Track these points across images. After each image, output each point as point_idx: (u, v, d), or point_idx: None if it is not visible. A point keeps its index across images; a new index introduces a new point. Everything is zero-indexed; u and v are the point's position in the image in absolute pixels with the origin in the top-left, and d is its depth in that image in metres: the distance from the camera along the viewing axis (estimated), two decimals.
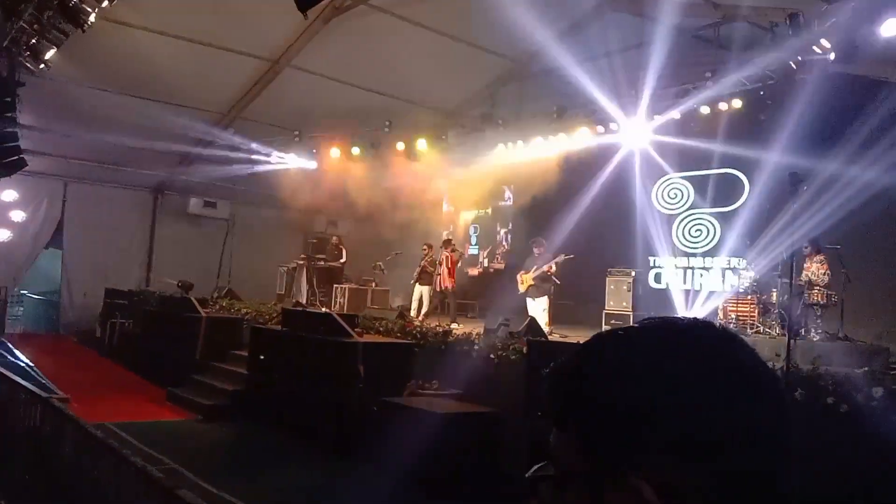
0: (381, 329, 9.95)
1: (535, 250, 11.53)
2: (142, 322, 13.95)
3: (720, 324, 0.84)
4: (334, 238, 15.60)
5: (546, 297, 11.26)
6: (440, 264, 12.68)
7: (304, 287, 14.37)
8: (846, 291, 9.42)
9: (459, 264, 13.19)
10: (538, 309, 11.12)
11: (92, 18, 9.15)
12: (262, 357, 10.05)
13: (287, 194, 15.04)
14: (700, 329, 0.77)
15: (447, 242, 13.21)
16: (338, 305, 13.80)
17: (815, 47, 9.23)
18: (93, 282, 15.85)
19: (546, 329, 10.91)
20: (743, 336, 0.83)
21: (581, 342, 0.82)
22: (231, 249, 15.82)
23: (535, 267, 11.36)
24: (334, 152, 14.72)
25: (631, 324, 0.82)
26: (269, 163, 15.36)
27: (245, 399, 10.10)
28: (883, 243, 10.29)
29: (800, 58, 9.61)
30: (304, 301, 13.98)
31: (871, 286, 9.98)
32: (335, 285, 14.48)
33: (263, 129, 14.89)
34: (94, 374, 12.60)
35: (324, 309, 12.50)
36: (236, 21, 11.72)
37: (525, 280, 11.42)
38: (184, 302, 12.65)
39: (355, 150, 14.69)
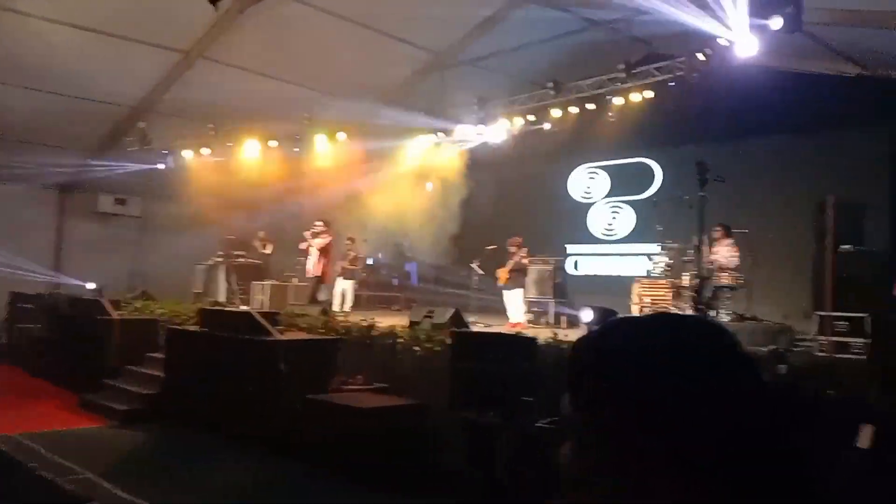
0: (303, 325, 9.80)
1: (511, 248, 11.95)
2: (51, 326, 13.31)
3: (712, 322, 0.96)
4: (260, 233, 15.24)
5: (522, 288, 11.88)
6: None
7: (223, 285, 14.00)
8: (753, 274, 9.90)
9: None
10: (516, 299, 11.76)
11: None
12: (179, 358, 9.75)
13: (202, 189, 14.61)
14: (686, 328, 0.90)
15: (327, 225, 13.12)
16: (258, 303, 13.50)
17: (720, 40, 9.59)
18: None
19: (523, 318, 11.58)
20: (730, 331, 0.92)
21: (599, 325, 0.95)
22: (145, 248, 15.27)
23: (511, 261, 11.82)
24: (251, 145, 14.38)
25: (641, 314, 0.95)
26: (182, 157, 14.87)
27: (163, 402, 9.78)
28: (787, 227, 10.84)
29: (708, 50, 9.96)
30: (223, 300, 13.63)
31: (777, 268, 10.51)
32: (255, 282, 14.12)
33: (177, 123, 14.39)
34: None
35: (243, 307, 12.23)
36: (146, 11, 11.27)
37: (502, 274, 11.90)
38: (95, 304, 12.13)
39: (273, 143, 14.40)
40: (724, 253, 9.79)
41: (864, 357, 7.71)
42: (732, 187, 9.87)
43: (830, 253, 8.49)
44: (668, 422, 0.81)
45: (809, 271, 9.59)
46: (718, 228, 9.88)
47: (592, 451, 0.86)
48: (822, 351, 8.47)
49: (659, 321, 0.93)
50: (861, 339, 8.30)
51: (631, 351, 0.87)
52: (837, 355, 8.23)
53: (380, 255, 16.65)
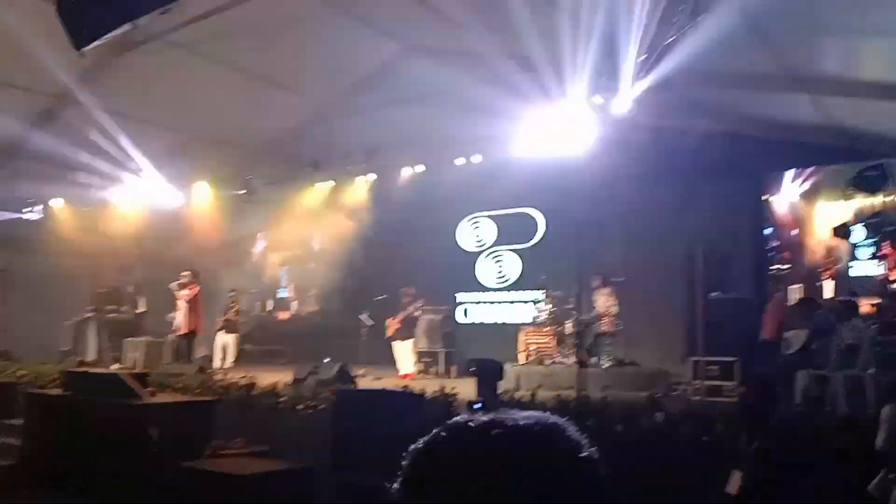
0: (178, 386, 9.26)
1: (405, 298, 12.06)
2: None
3: (548, 426, 0.92)
4: (130, 287, 14.37)
5: (412, 338, 11.93)
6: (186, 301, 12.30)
7: (93, 342, 13.07)
8: (631, 320, 10.25)
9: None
10: (406, 350, 11.80)
11: None
12: (39, 425, 8.97)
13: (72, 241, 13.71)
14: (509, 434, 0.89)
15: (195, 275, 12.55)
16: (132, 361, 12.62)
17: (595, 98, 9.98)
18: None
19: (412, 369, 11.65)
20: (562, 432, 0.92)
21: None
22: (8, 304, 14.10)
23: (400, 313, 11.96)
24: (126, 194, 13.69)
25: (468, 419, 0.94)
26: (49, 206, 13.95)
27: (20, 474, 8.94)
28: (662, 275, 11.29)
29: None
30: (92, 358, 12.72)
31: (653, 315, 10.91)
32: (128, 339, 13.21)
33: (46, 170, 13.52)
34: None
35: (114, 366, 11.46)
36: (15, 54, 10.62)
37: (391, 325, 11.97)
38: None
39: (149, 190, 13.76)
40: (603, 301, 10.10)
41: (735, 401, 8.09)
42: (610, 237, 10.23)
43: (701, 300, 8.92)
44: None
45: (682, 317, 10.02)
46: (597, 277, 10.19)
47: None
48: (696, 395, 8.82)
49: (489, 429, 0.90)
50: (732, 383, 8.72)
51: (459, 461, 0.87)
52: (710, 398, 8.59)
53: (268, 307, 16.15)
